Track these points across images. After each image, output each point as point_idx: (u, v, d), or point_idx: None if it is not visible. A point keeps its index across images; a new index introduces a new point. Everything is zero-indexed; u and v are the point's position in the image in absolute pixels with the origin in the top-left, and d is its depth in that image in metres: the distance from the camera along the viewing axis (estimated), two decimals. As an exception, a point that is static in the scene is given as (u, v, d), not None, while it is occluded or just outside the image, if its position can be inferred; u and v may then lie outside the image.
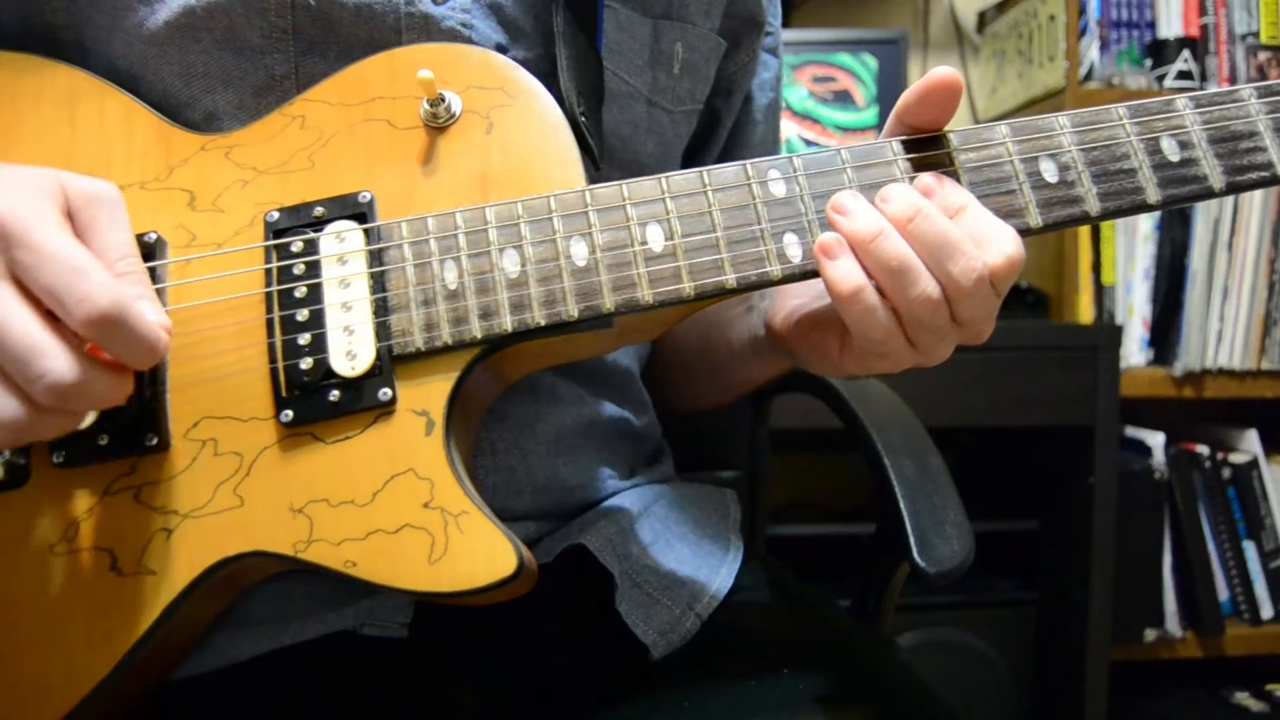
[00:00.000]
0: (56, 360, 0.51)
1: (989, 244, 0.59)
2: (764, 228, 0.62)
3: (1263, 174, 0.62)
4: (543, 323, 0.61)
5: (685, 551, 0.79)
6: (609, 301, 0.61)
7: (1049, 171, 0.62)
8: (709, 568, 0.79)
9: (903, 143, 0.63)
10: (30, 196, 0.53)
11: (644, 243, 0.62)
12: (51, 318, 0.52)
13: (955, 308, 0.60)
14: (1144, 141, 0.62)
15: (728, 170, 0.63)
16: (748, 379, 0.85)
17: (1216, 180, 0.62)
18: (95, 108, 0.67)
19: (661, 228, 0.62)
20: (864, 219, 0.59)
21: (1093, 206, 0.61)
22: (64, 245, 0.52)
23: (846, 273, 0.59)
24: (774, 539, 1.84)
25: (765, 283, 0.62)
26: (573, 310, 0.61)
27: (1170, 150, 0.62)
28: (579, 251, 0.62)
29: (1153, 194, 0.62)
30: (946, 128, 0.64)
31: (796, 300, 0.71)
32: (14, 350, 0.51)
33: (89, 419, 0.60)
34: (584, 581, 0.72)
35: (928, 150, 0.63)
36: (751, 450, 1.20)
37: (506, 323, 0.61)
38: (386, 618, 0.69)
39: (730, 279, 0.61)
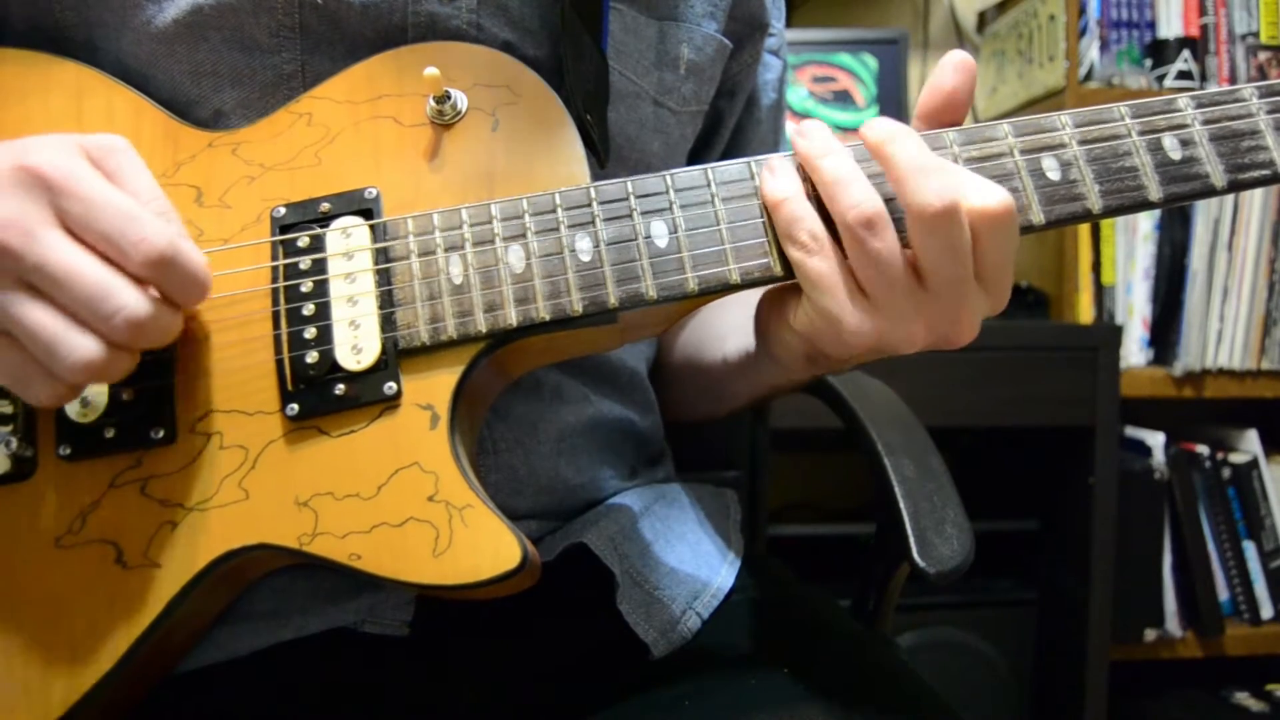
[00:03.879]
0: (130, 295, 0.53)
1: (975, 189, 0.57)
2: (766, 223, 0.62)
3: (1264, 172, 0.62)
4: (547, 317, 0.61)
5: (686, 551, 0.79)
6: (613, 296, 0.62)
7: (1051, 169, 0.62)
8: (709, 567, 0.79)
9: None
10: (60, 152, 0.55)
11: (648, 238, 0.62)
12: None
13: (920, 247, 0.57)
14: (1146, 139, 0.62)
15: (732, 167, 0.64)
16: (736, 393, 0.85)
17: (1218, 178, 0.62)
18: (103, 104, 0.67)
19: (666, 223, 0.63)
20: (820, 140, 0.60)
21: (1095, 204, 0.61)
22: (110, 193, 0.54)
23: (782, 181, 0.60)
24: (774, 539, 1.84)
25: (769, 278, 0.62)
26: (577, 305, 0.62)
27: (1172, 148, 0.62)
28: (583, 246, 0.62)
29: (1154, 191, 0.62)
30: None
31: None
32: (88, 290, 0.52)
33: (101, 401, 0.61)
34: (585, 580, 0.72)
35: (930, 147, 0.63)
36: (751, 450, 1.20)
37: (511, 316, 0.62)
38: (387, 615, 0.69)
39: (734, 273, 0.62)
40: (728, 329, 0.83)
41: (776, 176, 0.61)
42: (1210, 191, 0.62)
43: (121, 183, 0.56)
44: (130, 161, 0.57)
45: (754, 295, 0.71)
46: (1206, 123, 0.63)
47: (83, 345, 0.53)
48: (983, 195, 0.57)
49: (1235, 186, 0.62)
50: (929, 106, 0.63)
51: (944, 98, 0.62)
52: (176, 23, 0.67)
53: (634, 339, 0.69)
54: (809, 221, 0.59)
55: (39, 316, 0.53)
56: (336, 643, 0.69)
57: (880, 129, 0.59)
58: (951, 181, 0.56)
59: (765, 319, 0.68)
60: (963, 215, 0.56)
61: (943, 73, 0.62)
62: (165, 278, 0.54)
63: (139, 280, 0.54)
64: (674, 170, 0.64)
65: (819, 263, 0.59)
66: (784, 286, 0.65)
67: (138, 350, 0.56)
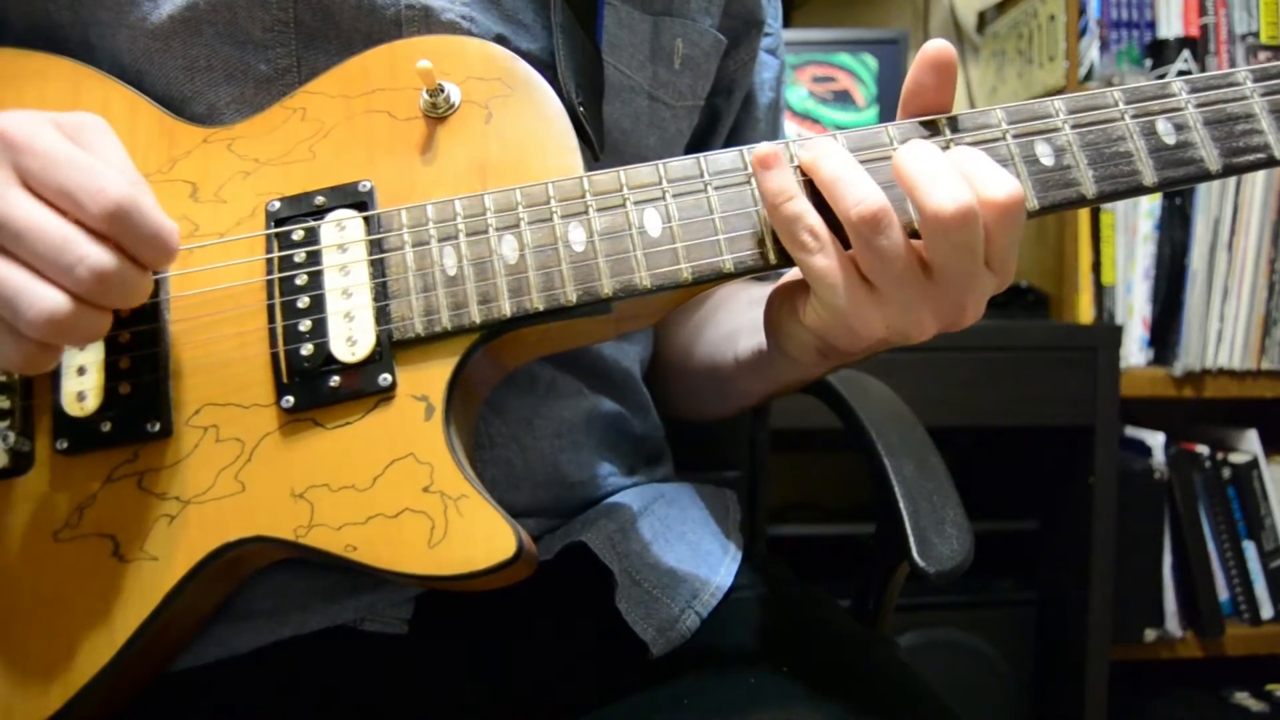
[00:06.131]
0: (92, 246, 0.52)
1: (985, 179, 0.57)
2: (760, 212, 0.62)
3: (1259, 155, 0.62)
4: (541, 307, 0.61)
5: (685, 550, 0.79)
6: (607, 286, 0.62)
7: (1045, 155, 0.62)
8: (709, 566, 0.79)
9: (899, 128, 0.63)
10: (27, 117, 0.55)
11: (641, 228, 0.62)
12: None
13: (933, 248, 0.57)
14: (1139, 124, 0.62)
15: (724, 156, 0.64)
16: (747, 390, 0.85)
17: (1213, 162, 0.62)
18: (99, 100, 0.67)
19: (659, 213, 0.63)
20: (818, 146, 0.59)
21: (1089, 189, 0.61)
22: (69, 148, 0.54)
23: (778, 179, 0.59)
24: (774, 539, 1.84)
25: (761, 266, 0.62)
26: (571, 295, 0.62)
27: (1166, 133, 0.62)
28: (577, 237, 0.62)
29: (1149, 176, 0.61)
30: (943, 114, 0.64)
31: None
32: (49, 242, 0.52)
33: (97, 395, 0.60)
34: (584, 580, 0.72)
35: (924, 135, 0.63)
36: (751, 450, 1.20)
37: (505, 307, 0.62)
38: (387, 613, 0.69)
39: (727, 262, 0.62)
40: (737, 328, 0.83)
41: (771, 174, 0.59)
42: (1205, 175, 0.62)
43: (89, 150, 0.55)
44: (101, 135, 0.57)
45: (763, 292, 0.71)
46: (1200, 107, 0.62)
47: (46, 296, 0.52)
48: (994, 187, 0.56)
49: (1230, 170, 0.62)
50: (911, 101, 0.63)
51: (926, 95, 0.62)
52: (172, 19, 0.67)
53: (628, 329, 0.69)
54: (808, 218, 0.58)
55: (1, 270, 0.52)
56: (336, 641, 0.69)
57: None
58: (963, 184, 0.56)
59: (775, 317, 0.68)
60: (977, 216, 0.55)
61: (923, 71, 0.61)
62: (125, 232, 0.53)
63: (101, 235, 0.53)
64: (667, 160, 0.64)
65: (822, 260, 0.58)
66: (794, 284, 0.65)
67: (106, 308, 0.55)
